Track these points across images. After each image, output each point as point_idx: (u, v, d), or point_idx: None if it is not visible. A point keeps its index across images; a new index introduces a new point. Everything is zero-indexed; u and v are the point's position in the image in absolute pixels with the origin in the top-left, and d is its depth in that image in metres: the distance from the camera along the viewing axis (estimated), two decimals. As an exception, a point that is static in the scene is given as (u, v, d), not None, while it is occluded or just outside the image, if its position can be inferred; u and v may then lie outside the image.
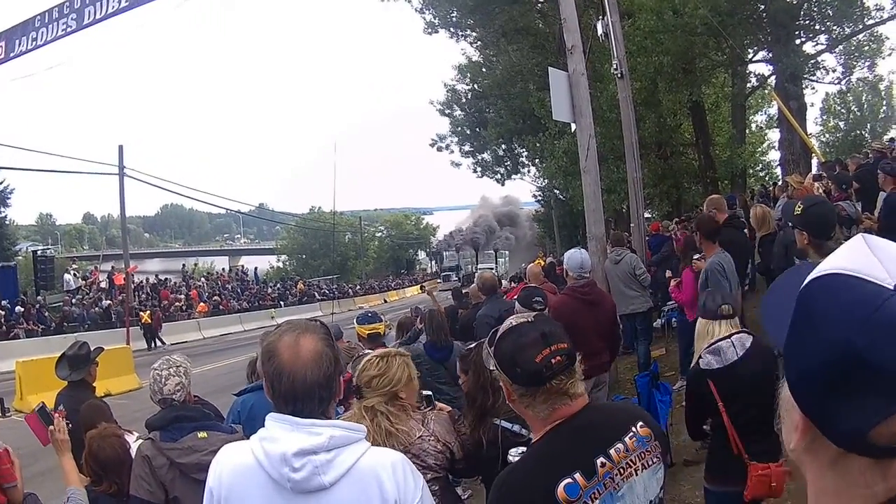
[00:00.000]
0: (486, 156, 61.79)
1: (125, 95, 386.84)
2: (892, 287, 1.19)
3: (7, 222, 64.47)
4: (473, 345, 6.20)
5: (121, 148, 44.17)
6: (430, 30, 49.10)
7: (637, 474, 3.13)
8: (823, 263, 1.31)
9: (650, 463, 3.19)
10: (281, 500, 2.90)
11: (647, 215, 29.39)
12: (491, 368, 3.37)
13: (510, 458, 3.99)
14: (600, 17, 19.76)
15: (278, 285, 78.49)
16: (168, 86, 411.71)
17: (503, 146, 57.63)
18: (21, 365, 22.43)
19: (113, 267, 59.73)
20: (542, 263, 16.90)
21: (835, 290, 1.25)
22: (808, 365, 1.26)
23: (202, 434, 5.32)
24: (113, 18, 22.94)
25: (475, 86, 58.47)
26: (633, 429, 3.21)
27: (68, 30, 23.64)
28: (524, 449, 3.57)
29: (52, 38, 24.05)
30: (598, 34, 19.69)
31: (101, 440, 5.91)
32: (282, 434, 2.89)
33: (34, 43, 24.53)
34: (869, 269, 1.23)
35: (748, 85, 39.25)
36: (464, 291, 21.87)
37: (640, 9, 29.83)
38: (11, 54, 25.20)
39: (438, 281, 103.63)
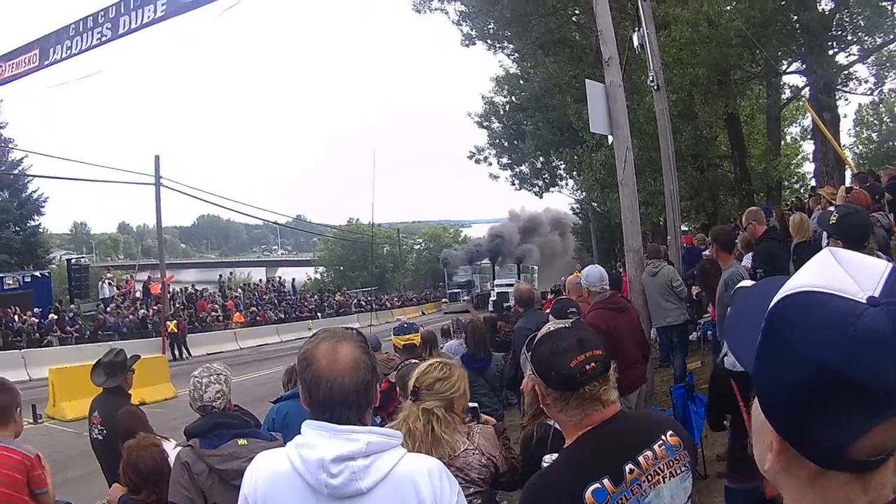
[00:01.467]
0: (523, 168, 61.93)
1: (162, 104, 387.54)
2: (864, 301, 1.21)
3: (40, 230, 64.59)
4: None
5: (157, 158, 44.04)
6: (467, 42, 49.16)
7: (665, 482, 3.15)
8: (792, 280, 1.33)
9: (678, 471, 3.20)
10: None
11: (683, 228, 29.29)
12: (528, 373, 3.41)
13: (543, 463, 4.01)
14: (636, 29, 19.65)
15: (315, 297, 78.21)
16: (205, 95, 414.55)
17: (541, 159, 57.55)
18: (54, 372, 22.48)
19: (149, 277, 59.21)
20: (580, 275, 16.91)
21: (807, 309, 1.26)
22: (783, 386, 1.27)
23: (242, 441, 5.31)
24: (148, 28, 22.97)
25: (513, 98, 58.90)
26: (663, 437, 3.24)
27: (103, 39, 23.51)
28: (557, 455, 3.59)
29: (87, 48, 23.95)
30: (635, 46, 19.59)
31: (139, 450, 5.93)
32: (319, 440, 2.90)
33: (68, 52, 24.43)
34: (840, 284, 1.25)
35: (782, 96, 38.89)
36: (505, 305, 21.40)
37: (676, 20, 29.91)
38: (46, 62, 25.08)
39: (444, 300, 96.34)
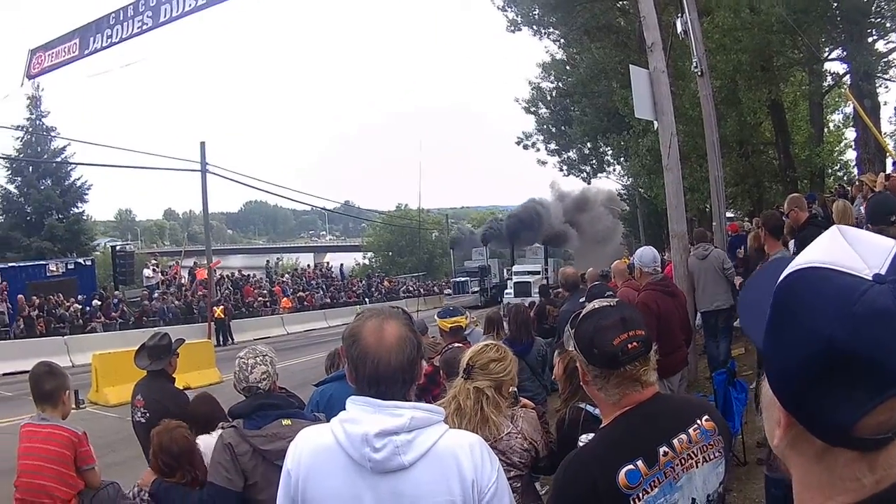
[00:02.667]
0: (571, 154, 60.52)
1: (207, 91, 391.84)
2: (870, 278, 1.24)
3: (84, 218, 65.12)
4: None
5: (202, 144, 44.02)
6: (512, 28, 48.66)
7: (697, 466, 3.18)
8: (800, 257, 1.35)
9: (712, 457, 3.23)
10: (360, 480, 2.95)
11: (729, 214, 29.09)
12: (570, 349, 3.45)
13: (580, 442, 4.06)
14: (679, 15, 19.64)
15: (363, 282, 77.56)
16: (251, 80, 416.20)
17: (588, 144, 56.65)
18: (97, 358, 22.56)
19: (195, 262, 60.10)
20: (627, 261, 16.84)
21: (813, 285, 1.28)
22: (789, 361, 1.29)
23: (286, 421, 5.32)
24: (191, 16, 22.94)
25: (559, 84, 57.78)
26: (699, 421, 3.26)
27: (144, 27, 23.44)
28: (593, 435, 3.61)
29: (128, 36, 23.90)
30: (678, 32, 19.55)
31: (168, 433, 6.10)
32: (363, 416, 2.96)
33: (109, 41, 24.42)
34: (846, 260, 1.27)
35: (824, 83, 38.63)
36: (553, 291, 20.96)
37: (718, 6, 29.83)
38: (86, 52, 25.13)
39: (448, 292, 79.52)
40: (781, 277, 1.35)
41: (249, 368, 5.64)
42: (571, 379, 5.46)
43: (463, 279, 78.43)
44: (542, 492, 6.66)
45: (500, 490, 3.12)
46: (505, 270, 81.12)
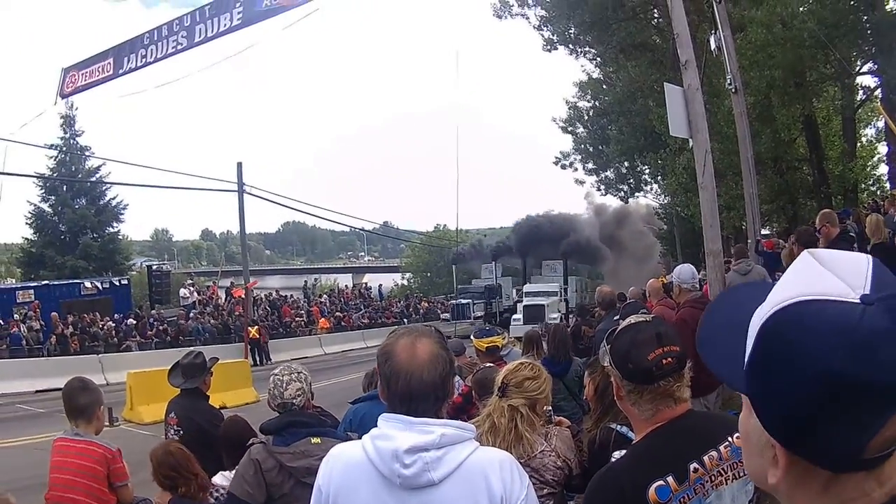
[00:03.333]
0: (609, 173, 60.50)
1: (245, 110, 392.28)
2: (858, 300, 1.21)
3: (120, 237, 66.12)
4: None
5: (239, 165, 44.34)
6: (549, 47, 48.83)
7: (727, 483, 3.17)
8: (780, 292, 1.31)
9: (741, 474, 3.19)
10: (389, 497, 2.96)
11: (765, 232, 28.97)
12: (605, 364, 3.45)
13: (612, 458, 4.11)
14: (713, 32, 19.72)
15: (402, 302, 76.77)
16: (288, 99, 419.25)
17: (625, 163, 56.49)
18: (132, 376, 22.74)
19: (232, 282, 60.04)
20: (664, 280, 16.65)
21: (804, 321, 1.25)
22: (790, 402, 1.26)
23: (315, 439, 5.32)
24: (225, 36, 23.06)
25: (596, 103, 58.18)
26: (730, 438, 3.23)
27: (178, 47, 23.85)
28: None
29: (162, 56, 24.29)
30: (712, 49, 19.60)
31: (163, 448, 6.36)
32: (395, 432, 2.97)
33: (143, 60, 24.76)
34: (829, 288, 1.24)
35: (856, 98, 38.54)
36: (594, 310, 20.74)
37: (751, 22, 29.83)
38: (120, 71, 25.49)
39: (445, 316, 64.43)
40: (764, 318, 1.32)
41: (284, 385, 5.68)
42: (602, 399, 5.54)
43: (464, 302, 63.39)
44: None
45: None
46: (515, 291, 69.73)
